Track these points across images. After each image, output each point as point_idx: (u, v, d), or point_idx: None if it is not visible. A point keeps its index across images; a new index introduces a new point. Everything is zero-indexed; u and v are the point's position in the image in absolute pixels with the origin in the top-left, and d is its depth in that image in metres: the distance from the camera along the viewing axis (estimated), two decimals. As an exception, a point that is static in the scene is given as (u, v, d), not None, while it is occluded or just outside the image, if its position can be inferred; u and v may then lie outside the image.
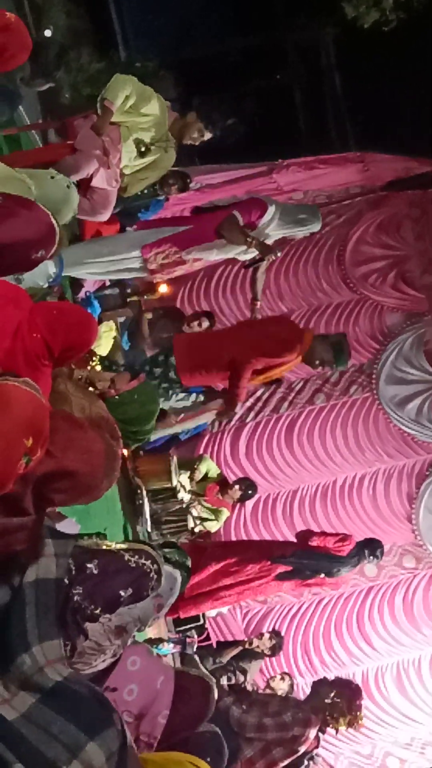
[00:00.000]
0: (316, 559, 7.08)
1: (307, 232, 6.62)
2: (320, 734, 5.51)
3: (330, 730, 5.49)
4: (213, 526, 8.23)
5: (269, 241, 6.31)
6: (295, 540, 7.49)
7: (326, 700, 5.35)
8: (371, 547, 7.16)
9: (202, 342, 6.91)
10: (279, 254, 6.41)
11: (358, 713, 5.41)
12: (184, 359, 6.36)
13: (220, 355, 6.30)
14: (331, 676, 5.93)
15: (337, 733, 5.60)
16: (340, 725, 5.35)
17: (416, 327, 9.61)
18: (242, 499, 8.80)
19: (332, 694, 5.39)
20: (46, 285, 5.12)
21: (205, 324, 8.50)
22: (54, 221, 3.50)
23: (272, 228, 6.28)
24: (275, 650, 8.47)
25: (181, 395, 6.68)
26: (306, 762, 6.27)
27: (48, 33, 8.49)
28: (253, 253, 6.23)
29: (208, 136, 6.53)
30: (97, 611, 2.76)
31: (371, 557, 7.17)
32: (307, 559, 7.09)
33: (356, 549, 6.98)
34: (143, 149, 6.36)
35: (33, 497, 2.73)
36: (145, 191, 7.17)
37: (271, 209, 6.20)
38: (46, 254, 3.54)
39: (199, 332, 8.40)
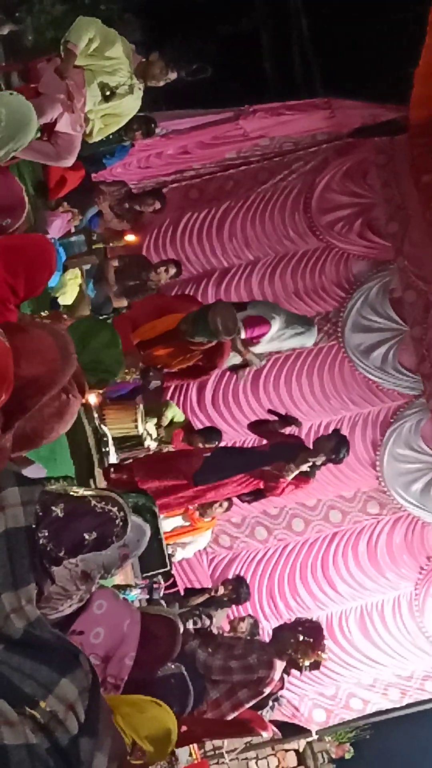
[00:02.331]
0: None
1: (298, 345, 6.92)
2: (285, 676, 5.58)
3: (294, 671, 5.56)
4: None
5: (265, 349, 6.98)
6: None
7: (290, 641, 5.40)
8: (337, 450, 6.99)
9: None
10: (262, 363, 7.08)
11: (321, 653, 5.48)
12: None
13: None
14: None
15: (301, 673, 5.68)
16: (303, 666, 5.41)
17: (382, 275, 9.60)
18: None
19: (295, 635, 5.45)
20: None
21: (172, 271, 8.42)
22: (25, 197, 3.47)
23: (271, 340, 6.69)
24: (241, 598, 8.54)
25: None
26: (271, 703, 6.40)
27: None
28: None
29: (172, 76, 6.45)
30: (61, 554, 2.76)
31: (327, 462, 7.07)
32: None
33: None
34: (108, 93, 6.28)
35: (3, 416, 2.70)
36: (111, 137, 7.08)
37: (275, 326, 6.47)
38: (12, 224, 3.51)
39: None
